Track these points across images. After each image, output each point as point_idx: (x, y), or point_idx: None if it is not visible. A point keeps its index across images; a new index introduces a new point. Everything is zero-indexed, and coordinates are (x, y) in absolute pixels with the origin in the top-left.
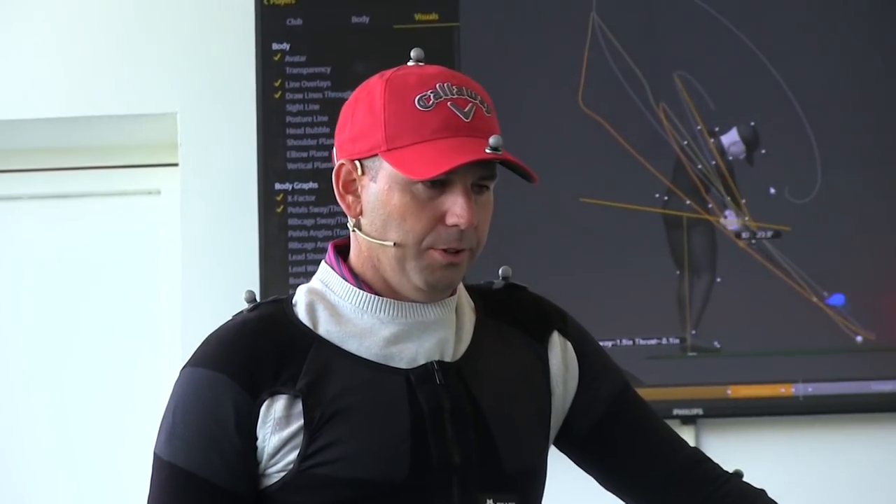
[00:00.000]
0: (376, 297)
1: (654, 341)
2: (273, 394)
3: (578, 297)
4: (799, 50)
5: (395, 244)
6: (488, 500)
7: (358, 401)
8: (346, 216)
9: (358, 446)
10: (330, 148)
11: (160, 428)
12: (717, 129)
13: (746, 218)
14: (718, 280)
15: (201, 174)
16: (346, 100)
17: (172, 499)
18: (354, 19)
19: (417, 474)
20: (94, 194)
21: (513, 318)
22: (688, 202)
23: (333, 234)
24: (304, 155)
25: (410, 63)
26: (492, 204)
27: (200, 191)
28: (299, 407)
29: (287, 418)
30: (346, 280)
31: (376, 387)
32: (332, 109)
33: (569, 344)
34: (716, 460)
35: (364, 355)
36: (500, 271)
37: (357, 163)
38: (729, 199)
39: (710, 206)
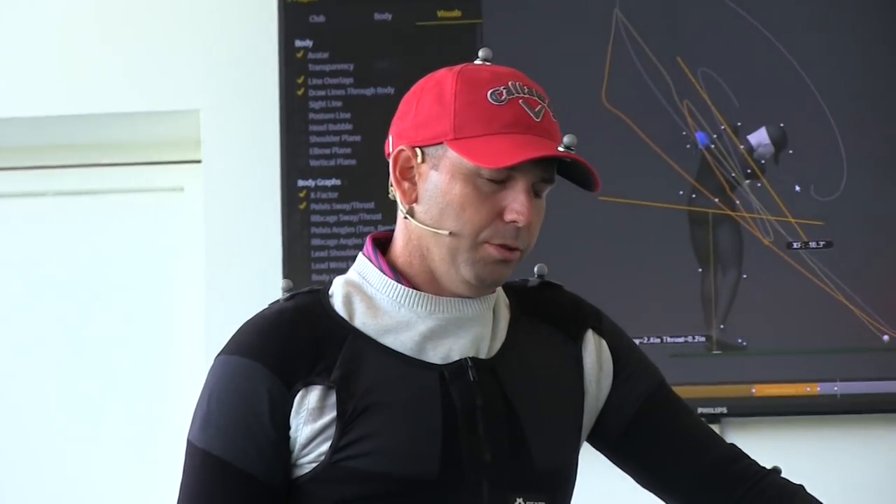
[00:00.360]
0: (414, 290)
1: (680, 339)
2: (308, 384)
3: (601, 295)
4: (824, 47)
5: (450, 233)
6: (518, 499)
7: (391, 395)
8: (368, 213)
9: (389, 441)
10: (352, 145)
11: (194, 415)
12: (739, 124)
13: (771, 216)
14: (745, 277)
15: (224, 171)
16: (369, 96)
17: (207, 487)
18: (377, 16)
19: (448, 471)
20: (117, 191)
21: (548, 317)
22: (715, 199)
23: (356, 231)
24: (327, 152)
25: (478, 62)
26: (544, 209)
27: (223, 188)
28: (333, 398)
29: (320, 409)
30: (385, 273)
31: (410, 382)
32: (354, 106)
33: (603, 342)
34: None
35: (399, 349)
36: (535, 269)
37: (418, 150)
38: (754, 197)
39: (736, 203)
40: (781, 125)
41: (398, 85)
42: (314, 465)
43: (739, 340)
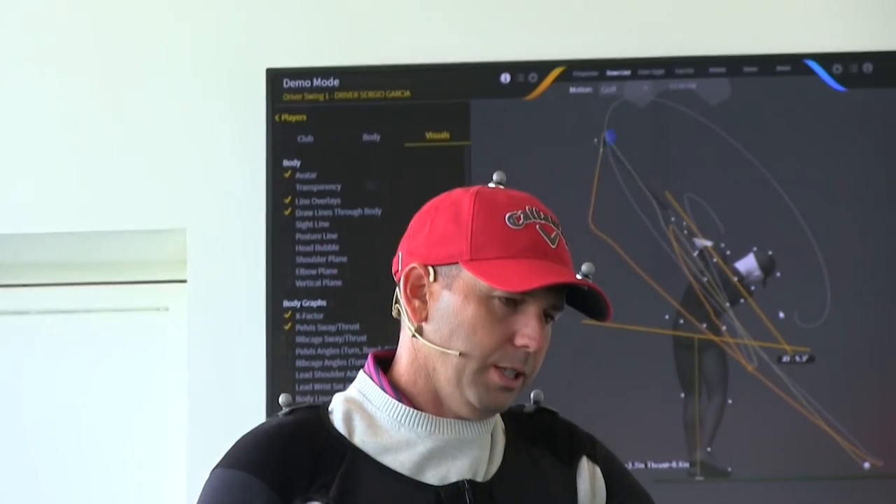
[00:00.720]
0: (415, 410)
1: (664, 465)
2: (306, 500)
3: (584, 420)
4: (809, 176)
5: (460, 354)
6: None
7: None
8: (353, 334)
9: None
10: (339, 266)
11: None
12: (728, 252)
13: (756, 342)
14: (730, 402)
15: (210, 291)
16: (356, 217)
17: None
18: (366, 137)
19: None
20: (101, 310)
21: (543, 443)
22: (701, 325)
23: (341, 353)
24: (314, 272)
25: (491, 185)
26: (550, 337)
27: (208, 307)
28: None
29: None
30: (386, 391)
31: (407, 501)
32: (341, 227)
33: (597, 469)
34: None
35: (398, 469)
36: (531, 395)
37: (431, 268)
38: (739, 323)
39: (721, 328)
40: (770, 252)
41: (386, 206)
42: None
43: (724, 467)
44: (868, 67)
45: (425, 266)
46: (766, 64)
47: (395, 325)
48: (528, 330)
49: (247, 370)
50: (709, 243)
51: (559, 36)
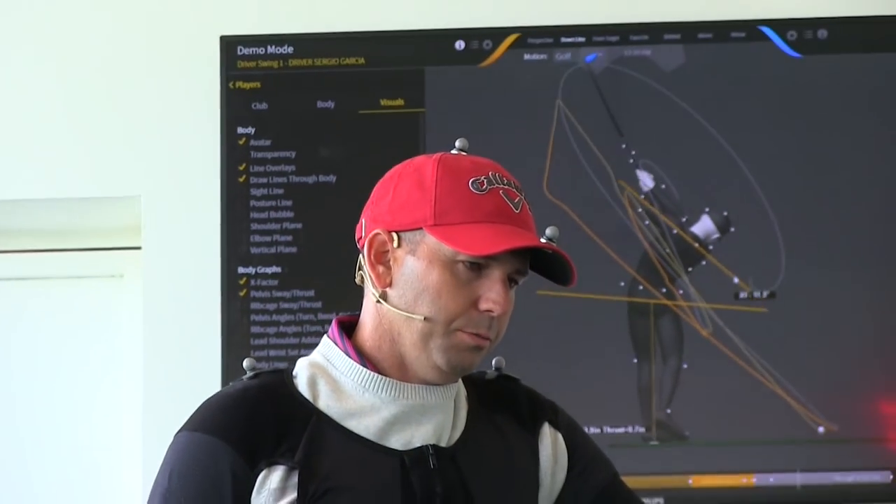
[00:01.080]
0: (380, 375)
1: (620, 429)
2: (271, 464)
3: (541, 386)
4: (762, 141)
5: (425, 318)
6: None
7: (351, 479)
8: (308, 301)
9: None
10: (293, 232)
11: (153, 491)
12: (684, 219)
13: (710, 306)
14: (685, 367)
15: (164, 258)
16: (310, 184)
17: None
18: (320, 104)
19: None
20: (56, 277)
21: (505, 409)
22: (656, 290)
23: (296, 319)
24: (268, 239)
25: (454, 151)
26: (514, 301)
27: (163, 275)
28: (295, 479)
29: (282, 490)
30: (350, 356)
31: (370, 467)
32: (296, 193)
33: (559, 435)
34: None
35: (362, 433)
36: (493, 362)
37: (395, 234)
38: (694, 288)
39: (676, 293)
40: (725, 213)
41: (340, 173)
42: None
43: (680, 431)
44: (823, 34)
45: (389, 232)
46: (721, 30)
47: (351, 292)
48: (492, 294)
49: (202, 337)
50: (661, 215)
51: (514, 3)
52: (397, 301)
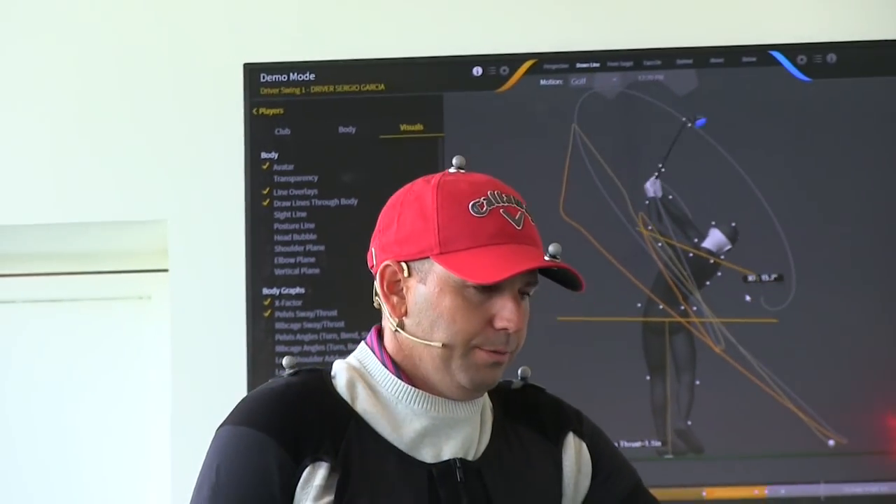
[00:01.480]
0: (412, 388)
1: (636, 444)
2: (315, 459)
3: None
4: (773, 162)
5: (442, 345)
6: None
7: (384, 487)
8: (331, 320)
9: None
10: (316, 254)
11: (199, 485)
12: (696, 240)
13: (723, 324)
14: (698, 383)
15: (191, 279)
16: (332, 207)
17: None
18: (341, 129)
19: None
20: (87, 299)
21: (530, 419)
22: (672, 309)
23: (319, 338)
24: (292, 261)
25: (452, 170)
26: (529, 310)
27: (190, 296)
28: (335, 480)
29: (324, 488)
30: (386, 367)
31: (402, 476)
32: (318, 217)
33: (583, 444)
34: None
35: (395, 443)
36: (518, 371)
37: (404, 265)
38: (706, 306)
39: (689, 312)
40: (733, 224)
41: (361, 196)
42: None
43: (697, 443)
44: (832, 58)
45: (398, 262)
46: (732, 55)
47: (374, 312)
48: (505, 313)
49: (228, 356)
50: (675, 241)
51: (530, 30)
52: (414, 329)
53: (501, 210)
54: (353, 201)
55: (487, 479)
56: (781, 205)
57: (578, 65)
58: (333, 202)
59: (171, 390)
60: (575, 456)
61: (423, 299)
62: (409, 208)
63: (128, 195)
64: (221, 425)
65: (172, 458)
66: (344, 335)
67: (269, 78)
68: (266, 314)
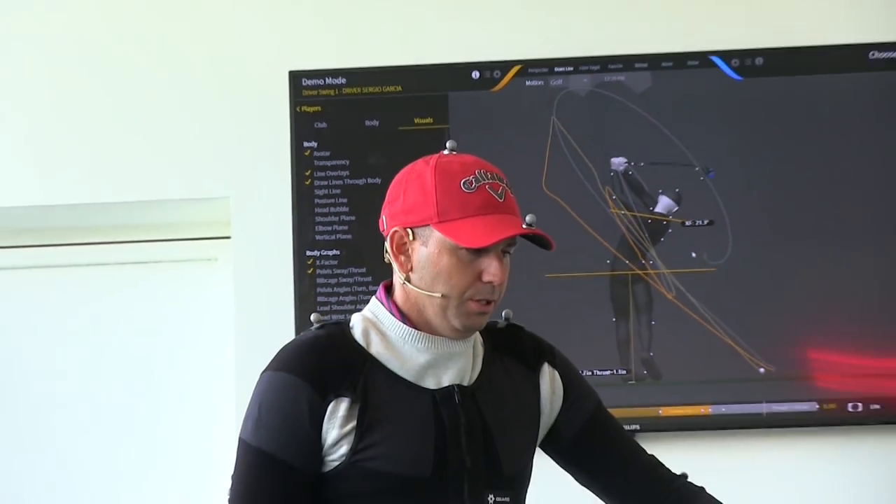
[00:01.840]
0: (416, 331)
1: (606, 372)
2: (338, 396)
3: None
4: (712, 144)
5: (442, 295)
6: (490, 496)
7: (396, 411)
8: (362, 276)
9: (394, 448)
10: (349, 223)
11: (246, 418)
12: (651, 208)
13: (673, 275)
14: (653, 323)
15: (249, 244)
16: (361, 185)
17: (259, 476)
18: (367, 122)
19: (438, 473)
20: (165, 261)
21: (513, 352)
22: (631, 263)
23: (352, 291)
24: (329, 229)
25: (446, 152)
26: (510, 266)
27: (248, 257)
28: (356, 410)
29: (346, 418)
30: (394, 315)
31: (411, 402)
32: (350, 193)
33: (556, 373)
34: None
35: (403, 375)
36: (503, 313)
37: (409, 230)
38: (660, 261)
39: (650, 263)
40: (677, 190)
41: (384, 176)
42: (337, 463)
43: (657, 371)
44: (759, 61)
45: (405, 228)
46: (680, 59)
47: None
48: (492, 269)
49: (280, 306)
50: (635, 210)
51: (517, 41)
52: (418, 282)
53: (487, 186)
54: (378, 180)
55: (480, 400)
56: (720, 176)
57: (556, 69)
58: (362, 181)
59: (234, 335)
60: (550, 382)
61: (425, 258)
62: (412, 185)
63: (199, 177)
64: (264, 371)
65: (237, 402)
66: (371, 288)
67: (309, 82)
68: (309, 272)
